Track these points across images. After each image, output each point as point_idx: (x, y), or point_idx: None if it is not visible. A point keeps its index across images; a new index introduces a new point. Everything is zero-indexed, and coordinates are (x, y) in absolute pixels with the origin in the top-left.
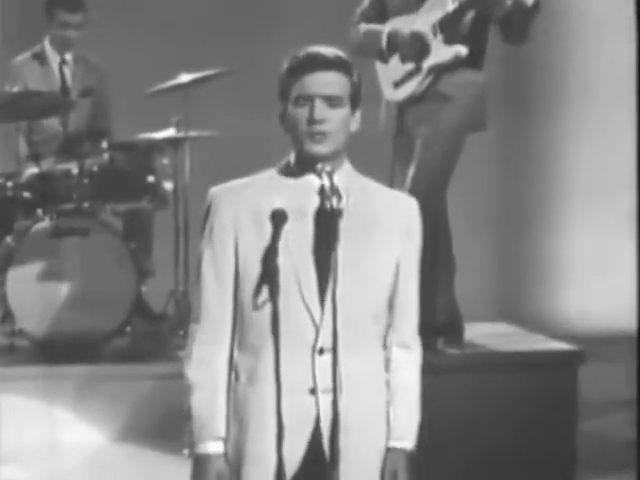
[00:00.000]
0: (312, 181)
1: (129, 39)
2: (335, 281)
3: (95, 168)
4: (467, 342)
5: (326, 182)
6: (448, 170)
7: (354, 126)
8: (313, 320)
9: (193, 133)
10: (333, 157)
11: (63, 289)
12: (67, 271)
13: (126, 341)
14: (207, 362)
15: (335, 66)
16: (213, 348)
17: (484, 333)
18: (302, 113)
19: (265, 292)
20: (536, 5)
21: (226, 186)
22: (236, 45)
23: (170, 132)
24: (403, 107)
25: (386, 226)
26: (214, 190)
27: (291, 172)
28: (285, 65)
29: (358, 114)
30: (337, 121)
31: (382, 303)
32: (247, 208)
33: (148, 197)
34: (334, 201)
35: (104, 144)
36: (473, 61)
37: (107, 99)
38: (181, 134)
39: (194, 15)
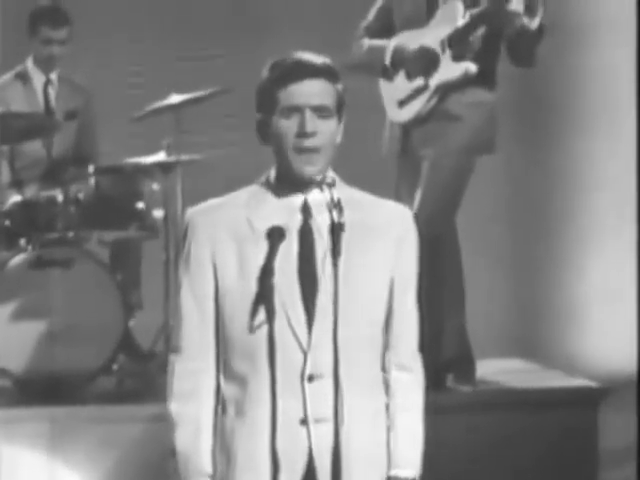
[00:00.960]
0: (294, 198)
1: (116, 58)
2: (336, 301)
3: (80, 195)
4: (478, 379)
5: (323, 195)
6: (457, 193)
7: (339, 138)
8: (300, 345)
9: (185, 157)
10: (322, 171)
11: (45, 324)
12: (49, 305)
13: (112, 381)
14: (189, 395)
15: (323, 74)
16: (195, 379)
17: (497, 369)
18: (290, 125)
19: (261, 314)
20: (540, 30)
21: (203, 206)
22: (230, 64)
23: (160, 156)
24: (408, 127)
25: (378, 239)
26: (190, 211)
27: (272, 188)
28: (267, 72)
29: (342, 125)
30: (327, 134)
31: (378, 323)
32: (226, 227)
33: (136, 225)
34: (335, 215)
35: (90, 169)
36: (483, 80)
37: (93, 121)
38: (172, 158)
39: (185, 33)
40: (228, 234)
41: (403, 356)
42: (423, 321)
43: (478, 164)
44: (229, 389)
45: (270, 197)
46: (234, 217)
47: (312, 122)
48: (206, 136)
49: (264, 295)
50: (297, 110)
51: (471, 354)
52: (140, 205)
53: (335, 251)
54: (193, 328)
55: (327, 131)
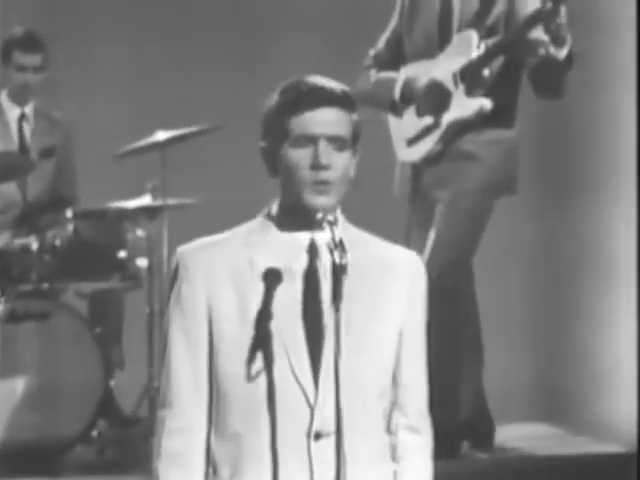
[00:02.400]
0: (301, 236)
1: (97, 90)
2: (338, 350)
3: (57, 242)
4: (497, 445)
5: (327, 234)
6: (473, 239)
7: (352, 172)
8: (307, 398)
9: (172, 201)
10: (334, 207)
11: (18, 385)
12: (23, 363)
13: (92, 450)
14: (179, 455)
15: (340, 102)
16: (187, 438)
17: (518, 435)
18: (303, 156)
19: (259, 360)
20: (569, 60)
21: (196, 243)
22: (222, 99)
23: (145, 200)
24: (419, 167)
25: (386, 285)
26: (182, 249)
27: (276, 224)
28: (278, 96)
29: (356, 158)
30: (342, 167)
31: (386, 377)
32: (222, 266)
33: (118, 275)
34: (337, 256)
35: (68, 214)
36: (501, 116)
37: (72, 160)
38: (158, 202)
39: (174, 65)
40: (226, 274)
41: (411, 416)
42: (436, 381)
43: (495, 206)
44: (222, 448)
45: (274, 234)
46: (233, 255)
47: (327, 154)
48: (196, 177)
49: (262, 340)
50: (311, 140)
51: (489, 418)
52: (122, 253)
53: (336, 295)
54: (184, 380)
55: (342, 164)
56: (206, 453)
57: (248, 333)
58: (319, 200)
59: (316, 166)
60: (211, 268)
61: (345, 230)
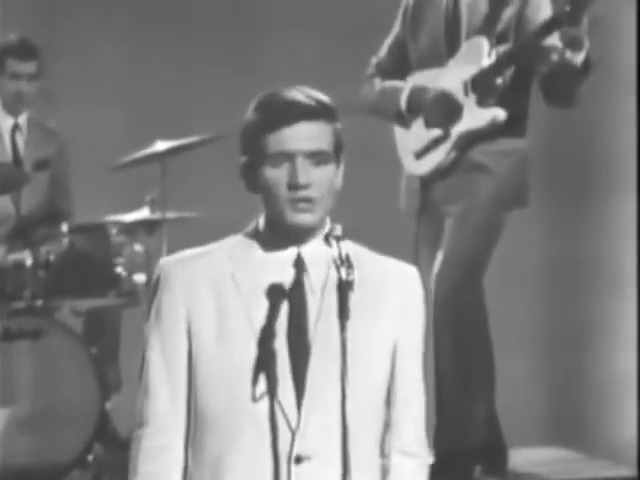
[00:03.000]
0: (286, 251)
1: (93, 99)
2: (345, 370)
3: (52, 257)
4: (511, 470)
5: (334, 249)
6: (485, 255)
7: (338, 184)
8: (287, 420)
9: (171, 214)
10: (319, 223)
11: (10, 408)
12: (16, 384)
13: (87, 475)
14: (155, 476)
15: (318, 114)
16: (163, 458)
17: (533, 460)
18: (280, 175)
19: (262, 382)
20: (586, 66)
21: (178, 256)
22: (223, 107)
23: (143, 213)
24: (428, 180)
25: (380, 299)
26: (163, 261)
27: (261, 238)
28: (254, 112)
29: (341, 168)
30: (324, 182)
31: (379, 397)
32: (205, 281)
33: (115, 292)
34: (344, 272)
35: (63, 228)
36: (513, 127)
37: (67, 172)
38: (156, 215)
39: (172, 73)
40: (208, 289)
41: (405, 438)
42: (447, 403)
43: (507, 220)
44: (200, 470)
45: (258, 248)
46: (216, 270)
47: (305, 172)
48: (197, 190)
49: (265, 361)
50: (288, 157)
51: (502, 441)
52: (119, 269)
53: (343, 312)
54: (162, 399)
55: (324, 179)
56: (183, 475)
57: (228, 352)
58: (301, 218)
59: (294, 185)
60: (192, 281)
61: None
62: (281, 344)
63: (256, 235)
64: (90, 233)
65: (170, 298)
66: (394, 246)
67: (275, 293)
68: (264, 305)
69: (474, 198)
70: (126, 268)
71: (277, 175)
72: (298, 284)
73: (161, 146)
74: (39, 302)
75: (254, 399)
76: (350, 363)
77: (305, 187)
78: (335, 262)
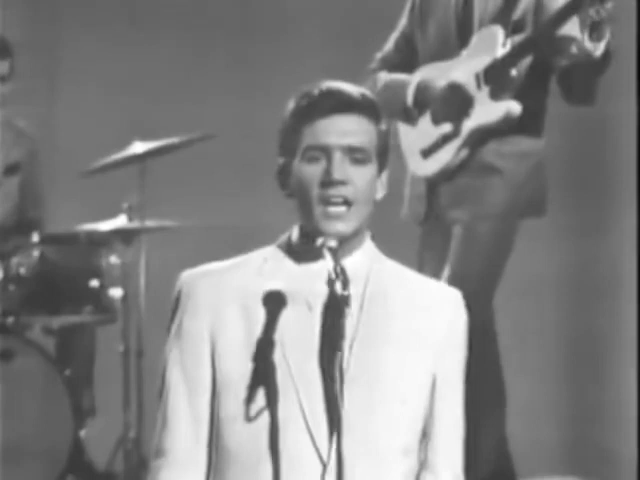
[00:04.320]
0: (320, 265)
1: (66, 98)
2: (340, 396)
3: (22, 271)
4: None
5: (329, 262)
6: (496, 267)
7: (380, 193)
8: (319, 453)
9: (150, 223)
10: (354, 235)
11: None
12: None
13: None
14: None
15: (360, 108)
16: None
17: None
18: (314, 171)
19: (260, 398)
20: (606, 57)
21: (201, 269)
22: (208, 106)
23: (120, 221)
24: (435, 183)
25: (418, 326)
26: (185, 275)
27: (293, 251)
28: (293, 103)
29: (385, 175)
30: (362, 183)
31: (413, 432)
32: (231, 296)
33: (90, 308)
34: (338, 286)
35: (34, 238)
36: (529, 124)
37: (38, 177)
38: (134, 224)
39: (152, 69)
40: (234, 306)
41: (444, 478)
42: None
43: (520, 229)
44: None
45: (290, 262)
46: (243, 285)
47: (341, 167)
48: (178, 196)
49: (263, 374)
50: (324, 152)
51: (512, 471)
52: (94, 283)
53: (337, 332)
54: (183, 426)
55: (362, 180)
56: None
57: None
58: (333, 226)
59: (328, 182)
60: (217, 298)
61: (374, 259)
62: (313, 369)
63: (288, 248)
64: (63, 243)
65: (192, 315)
66: (396, 256)
67: (271, 300)
68: (292, 321)
69: (485, 204)
70: (101, 282)
71: (311, 171)
72: (333, 301)
73: (140, 147)
74: (9, 319)
75: (248, 418)
76: (380, 394)
77: (340, 184)
78: (329, 276)
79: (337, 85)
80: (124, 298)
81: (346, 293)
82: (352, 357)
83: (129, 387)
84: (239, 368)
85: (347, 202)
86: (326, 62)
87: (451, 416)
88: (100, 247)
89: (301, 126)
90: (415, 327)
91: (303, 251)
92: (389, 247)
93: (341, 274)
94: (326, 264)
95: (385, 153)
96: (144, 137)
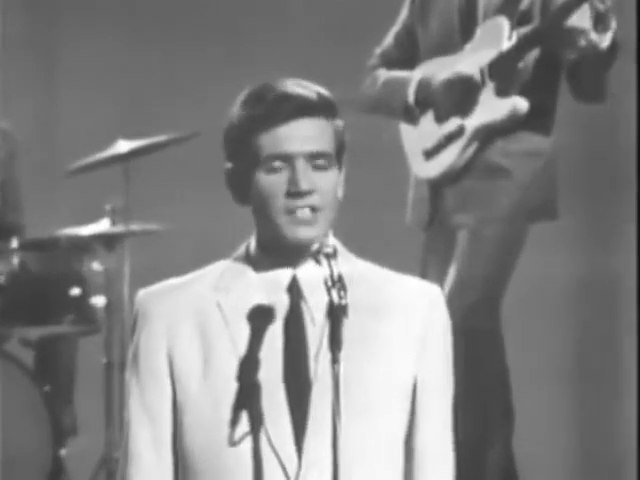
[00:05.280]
0: (280, 273)
1: (47, 96)
2: (338, 412)
3: (0, 278)
4: None
5: (325, 269)
6: (504, 275)
7: (340, 192)
8: (285, 473)
9: (135, 227)
10: (322, 238)
11: None
12: None
13: None
14: None
15: (318, 109)
16: None
17: None
18: (277, 181)
19: (244, 421)
20: (613, 50)
21: (158, 286)
22: (196, 103)
23: (103, 225)
24: (439, 186)
25: (397, 329)
26: (142, 293)
27: (252, 262)
28: (241, 109)
29: (342, 174)
30: (327, 189)
31: (394, 444)
32: (188, 314)
33: (71, 318)
34: (335, 295)
35: (13, 244)
36: (538, 121)
37: (17, 179)
38: (118, 228)
39: (137, 65)
40: (191, 323)
41: None
42: (457, 449)
43: (529, 233)
44: None
45: (248, 274)
46: (200, 301)
47: (306, 176)
48: (164, 198)
49: (247, 396)
50: (286, 160)
51: None
52: (76, 291)
53: (334, 343)
54: (145, 452)
55: (327, 186)
56: None
57: (217, 394)
58: (301, 232)
59: (294, 193)
60: (174, 316)
61: (347, 262)
62: (277, 381)
63: (246, 259)
64: (43, 250)
65: (149, 337)
66: (398, 261)
67: (258, 316)
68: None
69: (492, 207)
70: (83, 290)
71: (273, 182)
72: (295, 312)
73: (124, 146)
74: None
75: (232, 442)
76: (357, 406)
77: (307, 194)
78: (326, 283)
79: (291, 87)
80: (107, 307)
81: (343, 302)
82: (318, 369)
83: (112, 403)
84: (198, 387)
85: (314, 209)
86: (318, 59)
87: (435, 424)
88: (81, 253)
89: (256, 134)
90: (391, 330)
91: (262, 261)
92: (391, 253)
93: (338, 282)
94: (288, 272)
95: (342, 151)
96: (128, 135)
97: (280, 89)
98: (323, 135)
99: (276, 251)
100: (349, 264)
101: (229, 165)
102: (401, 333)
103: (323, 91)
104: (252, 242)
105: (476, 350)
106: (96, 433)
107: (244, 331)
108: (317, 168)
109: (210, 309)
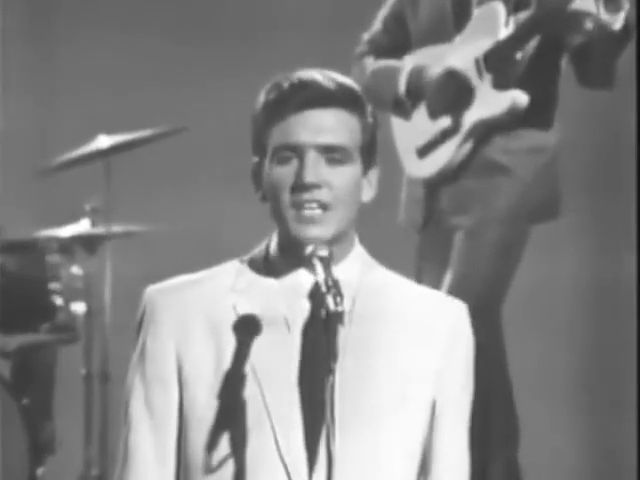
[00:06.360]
0: (301, 278)
1: (23, 90)
2: (331, 429)
3: None
4: None
5: (319, 273)
6: (504, 279)
7: (368, 194)
8: None
9: (117, 228)
10: (336, 241)
11: None
12: None
13: None
14: None
15: (338, 101)
16: None
17: None
18: (285, 174)
19: (225, 443)
20: (626, 31)
21: (168, 284)
22: (179, 97)
23: (83, 226)
24: (433, 186)
25: (416, 345)
26: (149, 291)
27: (271, 264)
28: (261, 98)
29: (374, 174)
30: (342, 186)
31: (411, 465)
32: (201, 316)
33: (48, 326)
34: (330, 301)
35: None
36: (538, 115)
37: None
38: (99, 229)
39: (119, 58)
40: (203, 325)
41: None
42: None
43: (531, 235)
44: None
45: (267, 276)
46: (214, 302)
47: (315, 169)
48: (148, 197)
49: (230, 414)
50: (295, 151)
51: None
52: (54, 297)
53: (330, 352)
54: (147, 464)
55: (341, 182)
56: None
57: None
58: (307, 231)
59: (299, 186)
60: (184, 317)
61: (370, 270)
62: (292, 395)
63: (265, 258)
64: (19, 252)
65: (157, 339)
66: (392, 266)
67: (243, 327)
68: (267, 345)
69: (491, 208)
70: (62, 295)
71: (282, 173)
72: (314, 320)
73: (105, 142)
74: None
75: (210, 468)
76: (370, 426)
77: (314, 188)
78: (320, 289)
79: (311, 75)
80: (87, 314)
81: (339, 309)
82: (335, 380)
83: (91, 417)
84: (208, 399)
85: (323, 206)
86: (307, 49)
87: (453, 446)
88: (60, 256)
89: (270, 123)
90: (410, 346)
91: (281, 263)
92: (384, 257)
93: (333, 287)
94: (310, 277)
95: (372, 149)
96: (109, 130)
97: (298, 77)
98: (341, 128)
99: (292, 252)
100: (370, 271)
101: (255, 159)
102: (422, 349)
103: (349, 83)
104: (273, 241)
105: (476, 362)
106: (74, 449)
107: (261, 339)
108: (331, 162)
109: (225, 311)
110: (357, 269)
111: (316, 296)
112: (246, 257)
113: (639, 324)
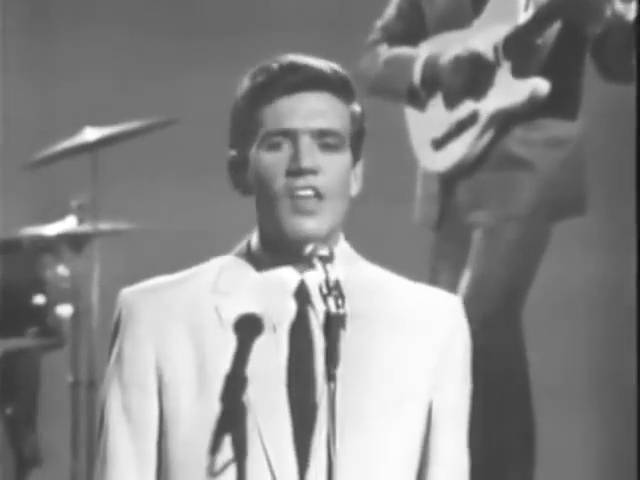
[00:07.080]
0: (286, 276)
1: (6, 81)
2: (332, 437)
3: None
4: None
5: (320, 274)
6: (524, 279)
7: (355, 188)
8: None
9: (104, 225)
10: (328, 238)
11: None
12: None
13: None
14: None
15: (331, 85)
16: None
17: None
18: (277, 159)
19: (227, 447)
20: (638, 22)
21: (145, 285)
22: (168, 88)
23: (69, 224)
24: (450, 180)
25: (410, 346)
26: (125, 293)
27: (254, 260)
28: (244, 83)
29: (359, 168)
30: (336, 174)
31: (409, 466)
32: (179, 316)
33: (34, 330)
34: (332, 303)
35: None
36: (561, 105)
37: None
38: (86, 227)
39: (106, 48)
40: (183, 328)
41: None
42: (472, 474)
43: (554, 233)
44: None
45: (251, 274)
46: (194, 302)
47: (310, 154)
48: (137, 193)
49: (231, 418)
50: (288, 136)
51: None
52: (39, 299)
53: (331, 357)
54: (125, 472)
55: (335, 168)
56: None
57: (211, 408)
58: (303, 224)
59: (295, 170)
60: (163, 319)
61: (356, 267)
62: (279, 400)
63: (248, 256)
64: (2, 252)
65: (134, 342)
66: (405, 264)
67: (244, 327)
68: (255, 347)
69: (511, 204)
70: (47, 297)
71: (274, 159)
72: (301, 321)
73: (91, 134)
74: None
75: (212, 473)
76: (363, 432)
77: (310, 173)
78: (321, 291)
79: (301, 58)
80: (74, 317)
81: (341, 312)
82: (335, 385)
83: (78, 426)
84: (190, 402)
85: (318, 195)
86: (300, 43)
87: (451, 455)
88: (45, 255)
89: (258, 108)
90: (403, 348)
91: (265, 260)
92: (397, 256)
93: (334, 288)
94: (296, 274)
95: (360, 140)
96: (96, 123)
97: (288, 59)
98: (334, 112)
99: (279, 248)
100: (357, 268)
101: (233, 153)
102: (417, 349)
103: (340, 70)
104: (254, 237)
105: (494, 366)
106: (61, 462)
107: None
108: (325, 147)
109: (206, 313)
110: (343, 267)
111: (302, 295)
112: (228, 255)
113: None
